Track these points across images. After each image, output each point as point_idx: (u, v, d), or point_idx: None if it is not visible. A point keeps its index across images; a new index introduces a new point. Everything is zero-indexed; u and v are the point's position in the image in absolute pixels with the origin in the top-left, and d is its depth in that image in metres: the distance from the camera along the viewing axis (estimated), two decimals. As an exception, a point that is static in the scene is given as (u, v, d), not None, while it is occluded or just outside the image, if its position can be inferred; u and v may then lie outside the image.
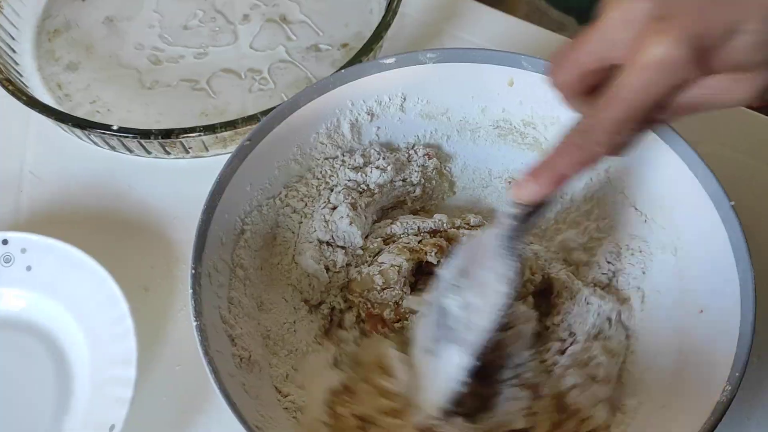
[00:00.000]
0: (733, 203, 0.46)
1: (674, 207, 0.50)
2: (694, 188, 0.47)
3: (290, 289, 0.53)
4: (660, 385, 0.46)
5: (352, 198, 0.53)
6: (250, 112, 0.60)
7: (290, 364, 0.50)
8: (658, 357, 0.48)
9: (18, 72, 0.69)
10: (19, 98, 0.62)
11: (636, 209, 0.53)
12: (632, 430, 0.45)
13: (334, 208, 0.53)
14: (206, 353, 0.43)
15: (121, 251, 0.59)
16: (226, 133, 0.60)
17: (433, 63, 0.53)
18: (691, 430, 0.40)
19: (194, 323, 0.44)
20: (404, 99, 0.55)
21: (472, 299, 0.44)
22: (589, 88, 0.39)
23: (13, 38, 0.72)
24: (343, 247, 0.53)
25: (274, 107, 0.52)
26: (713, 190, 0.46)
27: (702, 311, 0.46)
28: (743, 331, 0.42)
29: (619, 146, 0.38)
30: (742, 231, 0.45)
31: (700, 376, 0.44)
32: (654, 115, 0.37)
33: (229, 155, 0.50)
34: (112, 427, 0.47)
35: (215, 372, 0.42)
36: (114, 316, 0.52)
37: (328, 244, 0.53)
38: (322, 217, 0.53)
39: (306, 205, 0.54)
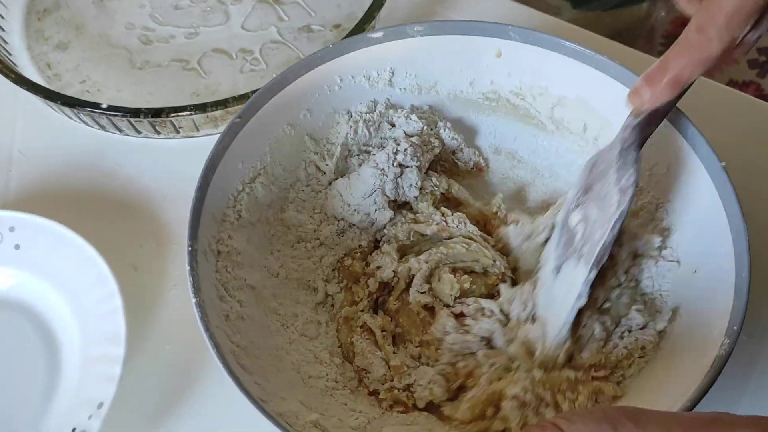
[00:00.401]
0: (724, 164, 0.46)
1: (666, 172, 0.50)
2: (684, 151, 0.48)
3: (314, 250, 0.53)
4: (659, 347, 0.46)
5: (417, 158, 0.53)
6: (242, 93, 0.59)
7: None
8: (656, 321, 0.48)
9: (7, 51, 0.68)
10: (7, 76, 0.62)
11: None
12: (634, 391, 0.45)
13: (401, 167, 0.53)
14: (207, 329, 0.43)
15: (111, 231, 0.58)
16: (216, 113, 0.60)
17: (421, 36, 0.53)
18: (692, 384, 0.40)
19: (193, 300, 0.44)
20: (393, 73, 0.55)
21: (591, 213, 0.44)
22: None
23: (2, 17, 0.71)
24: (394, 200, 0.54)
25: (265, 85, 0.52)
26: (704, 152, 0.47)
27: (696, 271, 0.47)
28: (739, 286, 0.42)
29: (734, 40, 0.39)
30: (734, 190, 0.45)
31: (697, 334, 0.44)
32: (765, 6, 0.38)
33: (220, 133, 0.49)
34: (101, 404, 0.47)
35: (217, 347, 0.42)
36: (103, 294, 0.51)
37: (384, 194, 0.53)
38: (394, 176, 0.52)
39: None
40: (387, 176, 0.52)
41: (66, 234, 0.54)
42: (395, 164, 0.53)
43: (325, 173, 0.55)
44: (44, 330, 0.53)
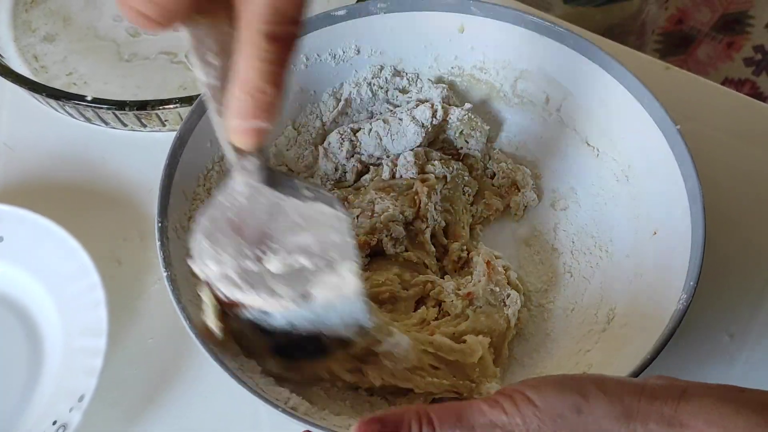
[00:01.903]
0: (678, 127, 0.47)
1: (624, 137, 0.51)
2: (641, 116, 0.49)
3: None
4: (618, 310, 0.47)
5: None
6: (228, 86, 0.59)
7: None
8: (615, 285, 0.49)
9: (-7, 43, 0.68)
10: (-8, 68, 0.61)
11: (588, 144, 0.54)
12: (597, 353, 0.46)
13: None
14: (179, 301, 0.43)
15: (95, 224, 0.58)
16: (202, 106, 0.59)
17: (384, 13, 0.54)
18: (652, 338, 0.41)
19: (164, 274, 0.44)
20: (358, 51, 0.56)
21: (301, 260, 0.39)
22: None
23: (-11, 8, 0.71)
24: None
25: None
26: (659, 116, 0.48)
27: (656, 233, 0.48)
28: (695, 244, 0.43)
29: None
30: (688, 152, 0.46)
31: (656, 293, 0.45)
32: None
33: (188, 111, 0.49)
34: (82, 397, 0.47)
35: (189, 319, 0.42)
36: (85, 286, 0.51)
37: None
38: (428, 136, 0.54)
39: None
40: (426, 134, 0.54)
41: (49, 226, 0.54)
42: (432, 125, 0.54)
43: (314, 127, 0.56)
44: (26, 322, 0.53)
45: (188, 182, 0.49)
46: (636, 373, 0.40)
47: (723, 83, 1.48)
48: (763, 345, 0.52)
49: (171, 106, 0.59)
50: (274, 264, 0.39)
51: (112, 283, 0.52)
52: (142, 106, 0.59)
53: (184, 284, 0.45)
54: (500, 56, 0.55)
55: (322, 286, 0.40)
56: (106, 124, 0.63)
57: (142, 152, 0.62)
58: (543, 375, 0.41)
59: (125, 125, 0.62)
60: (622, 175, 0.52)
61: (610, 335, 0.46)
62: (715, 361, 0.51)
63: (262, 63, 0.31)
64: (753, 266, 0.54)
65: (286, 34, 0.32)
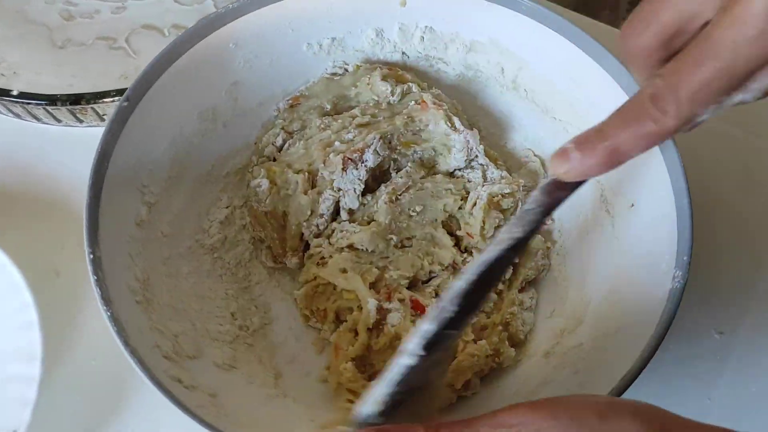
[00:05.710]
0: None
1: (590, 109, 0.49)
2: (609, 85, 0.46)
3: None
4: (607, 296, 0.45)
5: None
6: (174, 74, 0.54)
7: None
8: (598, 265, 0.47)
9: None
10: None
11: (553, 118, 0.52)
12: (591, 338, 0.44)
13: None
14: (126, 344, 0.38)
15: (29, 232, 0.54)
16: (143, 98, 0.54)
17: None
18: (652, 320, 0.39)
19: (105, 313, 0.39)
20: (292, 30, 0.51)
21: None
22: (668, 55, 0.32)
23: None
24: None
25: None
26: (627, 84, 0.45)
27: (633, 205, 0.45)
28: (681, 214, 0.41)
29: (695, 118, 0.31)
30: None
31: (646, 272, 0.43)
32: (748, 80, 0.30)
33: (107, 120, 0.44)
34: (14, 432, 0.42)
35: (141, 363, 0.38)
36: (15, 306, 0.47)
37: None
38: None
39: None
40: None
41: (-26, 238, 0.48)
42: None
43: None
44: (-50, 348, 0.48)
45: (122, 200, 0.44)
46: (646, 360, 0.37)
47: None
48: (753, 343, 0.50)
49: (108, 99, 0.55)
50: None
51: (49, 298, 0.48)
52: (75, 100, 0.54)
53: (130, 321, 0.40)
54: (447, 29, 0.52)
55: None
56: (38, 120, 0.58)
57: (78, 150, 0.57)
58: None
59: (59, 121, 0.57)
60: None
61: (600, 321, 0.44)
62: (705, 360, 0.50)
63: (626, 124, 0.32)
64: (742, 264, 0.53)
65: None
